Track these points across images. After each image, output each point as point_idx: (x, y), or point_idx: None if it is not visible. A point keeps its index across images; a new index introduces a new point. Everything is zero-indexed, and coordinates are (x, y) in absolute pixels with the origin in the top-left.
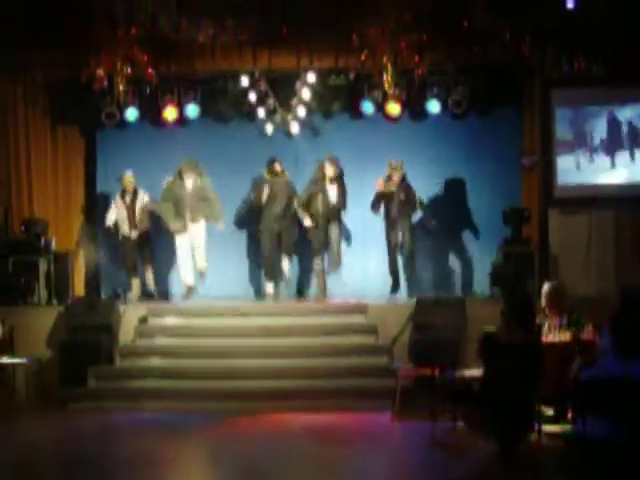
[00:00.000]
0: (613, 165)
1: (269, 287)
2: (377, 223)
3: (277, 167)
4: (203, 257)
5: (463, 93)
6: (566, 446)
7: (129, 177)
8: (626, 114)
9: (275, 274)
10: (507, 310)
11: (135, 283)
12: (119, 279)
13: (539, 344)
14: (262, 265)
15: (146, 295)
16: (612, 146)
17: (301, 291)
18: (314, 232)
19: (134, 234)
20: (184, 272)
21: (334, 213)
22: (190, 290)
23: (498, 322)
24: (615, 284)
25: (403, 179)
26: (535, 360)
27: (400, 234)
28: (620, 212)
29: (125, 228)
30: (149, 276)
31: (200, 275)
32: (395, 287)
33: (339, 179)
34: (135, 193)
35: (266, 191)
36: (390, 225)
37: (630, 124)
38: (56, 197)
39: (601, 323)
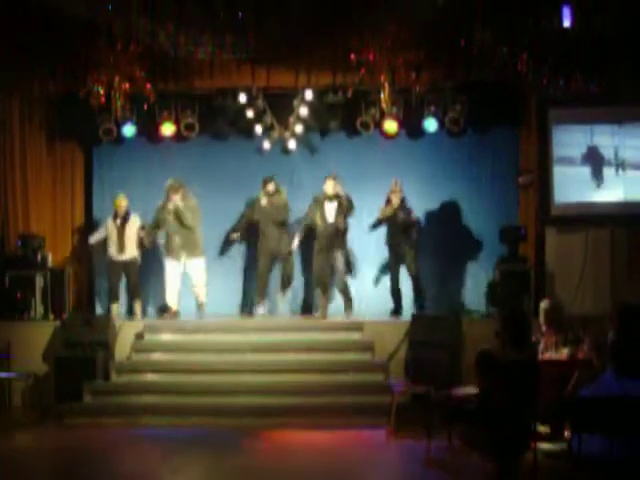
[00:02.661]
0: (611, 182)
1: (260, 308)
2: (372, 242)
3: (270, 187)
4: (203, 293)
5: (460, 111)
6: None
7: (121, 200)
8: (622, 133)
9: (265, 296)
10: (503, 328)
11: (114, 307)
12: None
13: (535, 362)
14: (255, 284)
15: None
16: (611, 163)
17: (308, 308)
18: (317, 257)
19: (121, 258)
20: (169, 295)
21: (336, 236)
22: (173, 313)
23: (494, 340)
24: (611, 302)
25: (402, 201)
26: (531, 378)
27: (400, 255)
28: (616, 230)
29: (113, 251)
30: (136, 305)
31: (199, 308)
32: (397, 309)
33: (339, 198)
34: (126, 216)
35: (259, 211)
36: (391, 247)
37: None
38: (52, 212)
39: (598, 341)
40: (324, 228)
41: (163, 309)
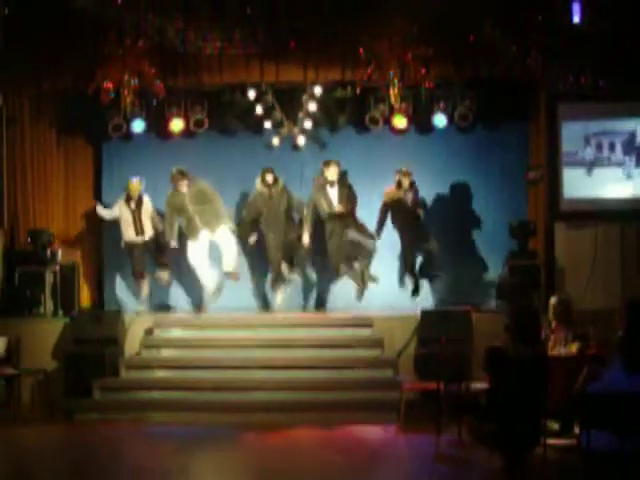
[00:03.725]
0: (621, 177)
1: (278, 297)
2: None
3: (269, 178)
4: (232, 262)
5: (470, 107)
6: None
7: (135, 184)
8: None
9: (280, 282)
10: (512, 323)
11: (145, 286)
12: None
13: (545, 357)
14: (270, 272)
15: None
16: (622, 158)
17: (322, 303)
18: (330, 241)
19: (141, 239)
20: (204, 279)
21: (342, 218)
22: (215, 294)
23: (503, 335)
24: (621, 297)
25: (412, 184)
26: (541, 373)
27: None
28: (626, 226)
29: (131, 233)
30: (164, 276)
31: (228, 276)
32: (416, 290)
33: (340, 182)
34: (140, 199)
35: (260, 204)
36: (401, 230)
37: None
38: (62, 208)
39: (607, 336)
40: (330, 212)
41: (198, 307)
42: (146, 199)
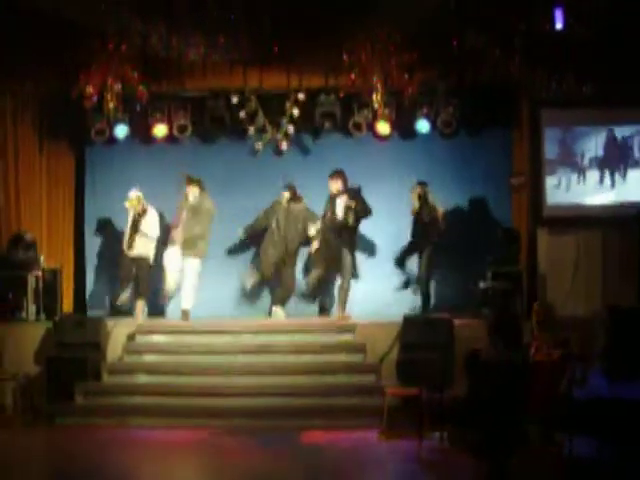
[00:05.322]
0: (604, 183)
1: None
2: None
3: (285, 195)
4: (189, 298)
5: (453, 113)
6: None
7: (130, 197)
8: (615, 134)
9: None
10: (494, 329)
11: (123, 297)
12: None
13: (526, 362)
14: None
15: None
16: (605, 165)
17: (323, 308)
18: (324, 250)
19: (130, 254)
20: (168, 278)
21: (342, 231)
22: (170, 295)
23: (486, 341)
24: (602, 304)
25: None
26: (521, 379)
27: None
28: (608, 232)
29: (124, 245)
30: (139, 304)
31: (182, 314)
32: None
33: (346, 194)
34: (142, 213)
35: (271, 216)
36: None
37: (622, 143)
38: (45, 212)
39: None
40: (332, 222)
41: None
42: (148, 215)
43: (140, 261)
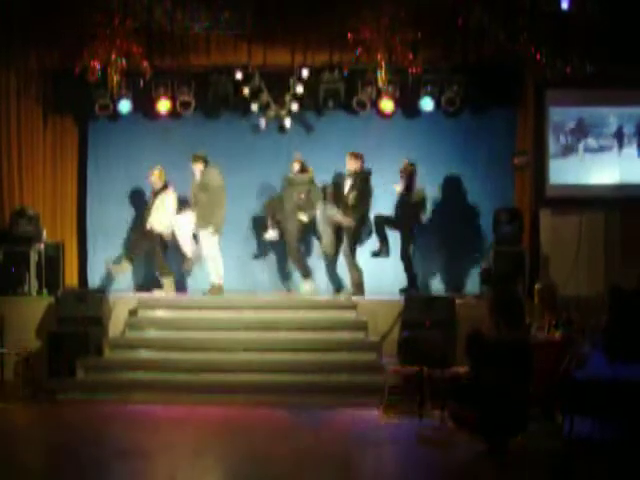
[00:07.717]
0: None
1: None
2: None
3: (295, 166)
4: (213, 270)
5: (457, 92)
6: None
7: (152, 174)
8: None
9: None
10: (496, 308)
11: (120, 266)
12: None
13: (528, 343)
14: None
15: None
16: (610, 145)
17: (339, 288)
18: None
19: (147, 229)
20: (185, 248)
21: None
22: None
23: (487, 321)
24: (604, 285)
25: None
26: (524, 358)
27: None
28: (611, 213)
29: (144, 218)
30: (166, 283)
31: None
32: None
33: (356, 176)
34: (160, 191)
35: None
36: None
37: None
38: (48, 187)
39: (590, 324)
40: (334, 198)
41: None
42: (166, 193)
43: (156, 236)
